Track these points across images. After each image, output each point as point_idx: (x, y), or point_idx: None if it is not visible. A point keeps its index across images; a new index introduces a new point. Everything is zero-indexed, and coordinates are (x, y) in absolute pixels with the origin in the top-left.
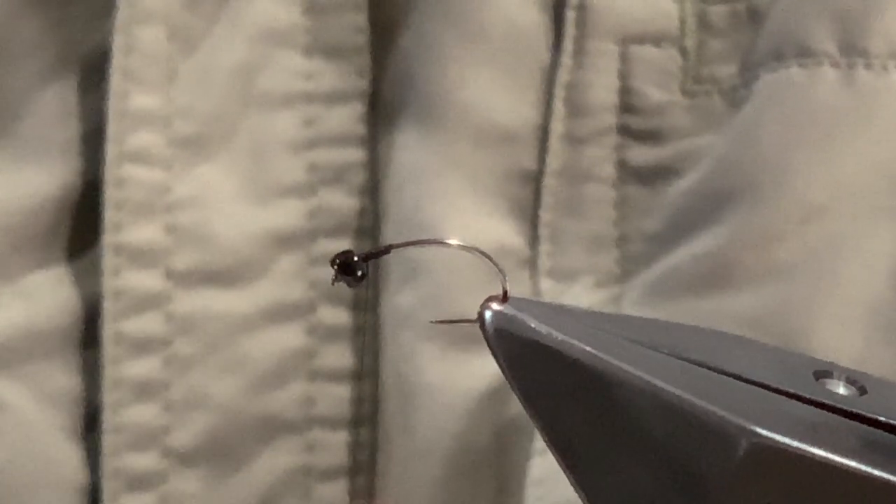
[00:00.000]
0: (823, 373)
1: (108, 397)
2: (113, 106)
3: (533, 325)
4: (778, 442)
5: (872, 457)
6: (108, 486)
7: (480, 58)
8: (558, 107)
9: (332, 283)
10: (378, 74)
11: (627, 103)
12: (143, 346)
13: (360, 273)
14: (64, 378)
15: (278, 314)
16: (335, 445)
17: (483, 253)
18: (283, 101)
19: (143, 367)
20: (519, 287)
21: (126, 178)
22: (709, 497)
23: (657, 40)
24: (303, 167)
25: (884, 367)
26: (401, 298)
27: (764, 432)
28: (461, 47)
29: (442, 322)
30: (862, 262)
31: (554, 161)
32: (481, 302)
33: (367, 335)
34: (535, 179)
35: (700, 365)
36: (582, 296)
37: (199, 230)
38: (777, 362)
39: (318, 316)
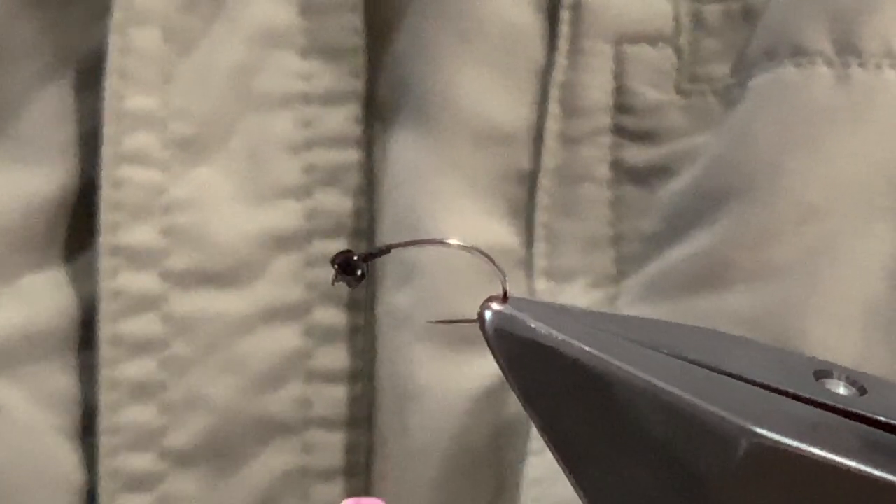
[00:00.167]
0: (823, 373)
1: (105, 398)
2: (109, 107)
3: (533, 325)
4: (778, 442)
5: (872, 457)
6: (105, 487)
7: (476, 58)
8: (553, 107)
9: (332, 283)
10: (374, 75)
11: (622, 103)
12: (140, 347)
13: (359, 273)
14: (61, 379)
15: (275, 315)
16: (332, 446)
17: (483, 253)
18: (279, 103)
19: (140, 368)
20: (514, 287)
21: (123, 180)
22: (709, 497)
23: (652, 40)
24: (299, 168)
25: (881, 366)
26: (397, 299)
27: (764, 432)
28: (456, 48)
29: (442, 322)
30: (858, 261)
31: (549, 161)
32: (478, 302)
33: (363, 336)
34: (530, 179)
35: (700, 365)
36: (578, 296)
37: (195, 231)
38: (777, 362)
39: (314, 317)
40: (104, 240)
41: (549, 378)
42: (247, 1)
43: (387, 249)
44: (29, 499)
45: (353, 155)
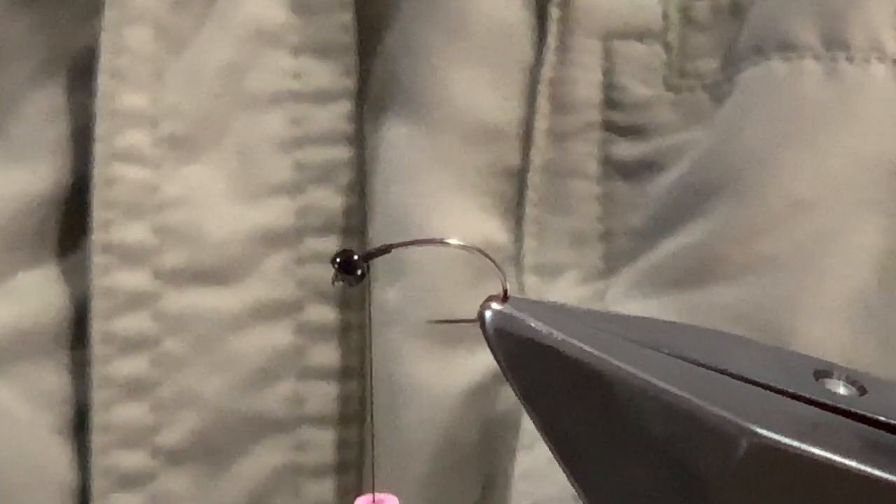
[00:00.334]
0: (823, 373)
1: (97, 396)
2: (101, 105)
3: (533, 325)
4: (778, 442)
5: (872, 457)
6: (97, 485)
7: (465, 55)
8: (542, 103)
9: (332, 283)
10: (365, 73)
11: (611, 99)
12: (132, 344)
13: (359, 272)
14: (53, 377)
15: (267, 313)
16: (324, 443)
17: (483, 253)
18: (270, 101)
19: (132, 366)
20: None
21: (114, 178)
22: (709, 497)
23: (641, 36)
24: (291, 166)
25: (870, 359)
26: (388, 296)
27: (764, 432)
28: (446, 45)
29: (442, 322)
30: (847, 255)
31: (538, 157)
32: (469, 298)
33: (355, 333)
34: (520, 175)
35: (700, 365)
36: (567, 291)
37: (187, 229)
38: (777, 362)
39: (306, 314)
40: (96, 237)
41: (549, 378)
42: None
43: (387, 249)
44: (21, 497)
45: (344, 152)
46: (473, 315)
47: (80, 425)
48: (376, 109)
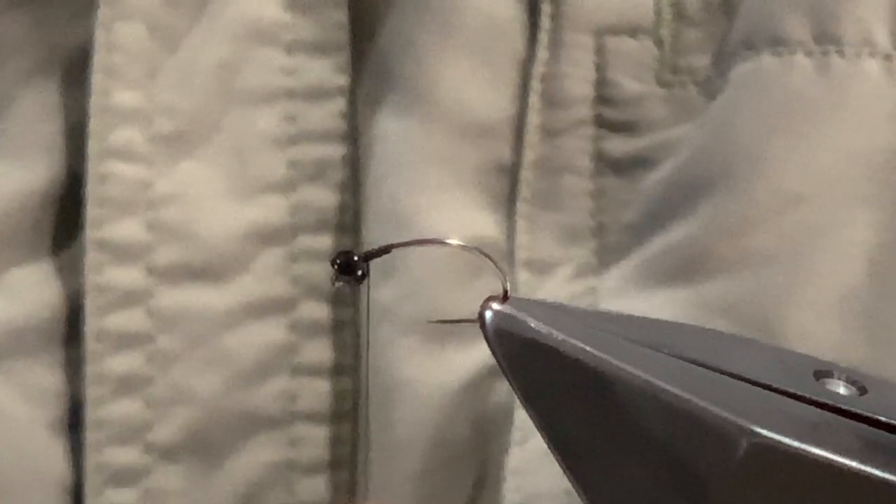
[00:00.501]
0: (823, 373)
1: (91, 393)
2: (95, 102)
3: (533, 325)
4: (778, 442)
5: (872, 457)
6: (90, 481)
7: (458, 51)
8: (535, 99)
9: (333, 284)
10: (359, 70)
11: (603, 95)
12: (125, 341)
13: (360, 273)
14: (47, 374)
15: (260, 310)
16: (317, 440)
17: (483, 253)
18: (264, 98)
19: (126, 363)
20: (495, 279)
21: (108, 175)
22: (709, 497)
23: (633, 31)
24: (284, 163)
25: (861, 354)
26: (380, 293)
27: (764, 432)
28: (439, 41)
29: (442, 322)
30: (838, 250)
31: (531, 153)
32: (461, 295)
33: (349, 330)
34: (512, 171)
35: (700, 365)
36: (559, 287)
37: (181, 226)
38: (777, 362)
39: (299, 311)
40: (90, 234)
41: (549, 378)
42: None
43: (387, 249)
44: (15, 493)
45: (338, 150)
46: (469, 312)
47: (74, 422)
48: (370, 106)
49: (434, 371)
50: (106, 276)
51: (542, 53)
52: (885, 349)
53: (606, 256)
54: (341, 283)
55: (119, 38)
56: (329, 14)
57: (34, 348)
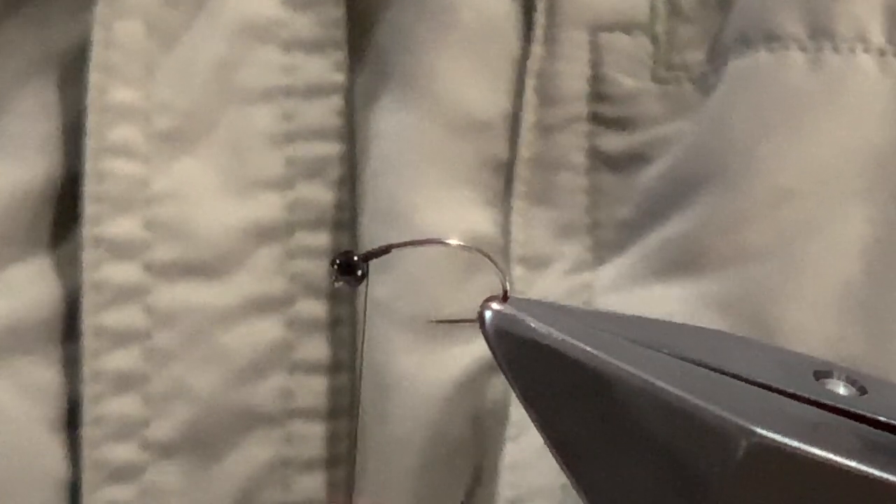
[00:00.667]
0: (823, 373)
1: (88, 390)
2: (92, 100)
3: (533, 325)
4: (778, 442)
5: (872, 457)
6: (88, 478)
7: (454, 48)
8: (530, 96)
9: (332, 284)
10: (355, 68)
11: (598, 91)
12: (122, 338)
13: (359, 273)
14: (45, 371)
15: (257, 307)
16: (314, 437)
17: (484, 253)
18: (261, 96)
19: (123, 360)
20: (492, 275)
21: (106, 172)
22: (709, 497)
23: (628, 28)
24: (281, 161)
25: (856, 349)
26: (376, 289)
27: (764, 432)
28: (435, 38)
29: (443, 322)
30: (833, 245)
31: (526, 149)
32: (456, 292)
33: (345, 327)
34: (507, 168)
35: (700, 365)
36: (554, 282)
37: (178, 223)
38: (777, 362)
39: (296, 308)
40: (87, 231)
41: (549, 378)
42: None
43: (387, 249)
44: (13, 490)
45: (334, 147)
46: (466, 308)
47: (71, 419)
48: (367, 103)
49: (430, 367)
50: (103, 272)
51: (537, 50)
52: (881, 343)
53: (601, 252)
54: (341, 284)
55: (117, 35)
56: (326, 11)
57: (32, 345)
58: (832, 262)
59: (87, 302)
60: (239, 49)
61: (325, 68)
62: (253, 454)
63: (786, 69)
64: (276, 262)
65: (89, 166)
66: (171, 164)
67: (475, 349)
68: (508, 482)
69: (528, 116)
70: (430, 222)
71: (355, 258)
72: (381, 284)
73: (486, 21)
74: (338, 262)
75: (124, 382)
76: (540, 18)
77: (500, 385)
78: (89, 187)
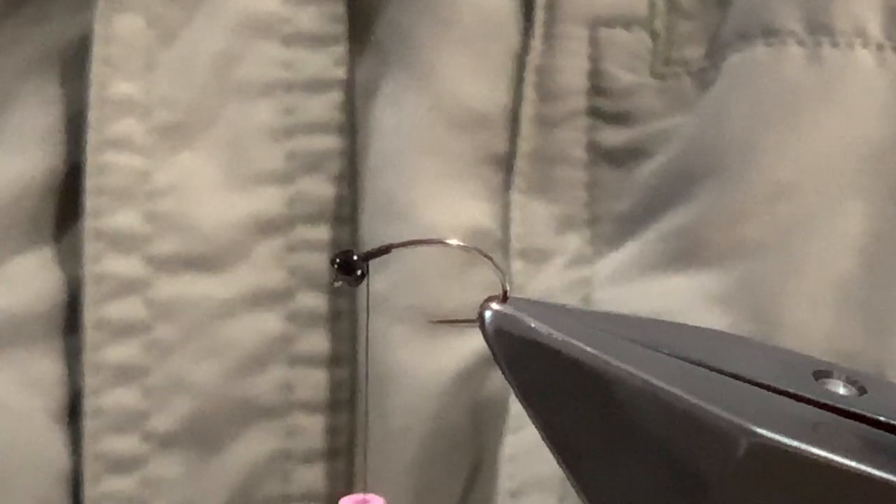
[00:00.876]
0: (823, 373)
1: (89, 382)
2: (94, 93)
3: (533, 325)
4: (778, 442)
5: (872, 457)
6: (88, 470)
7: (454, 43)
8: (529, 90)
9: (332, 284)
10: (356, 62)
11: (598, 86)
12: (123, 330)
13: (359, 272)
14: (46, 363)
15: (258, 300)
16: (314, 429)
17: (483, 253)
18: (262, 90)
19: (124, 352)
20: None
21: (107, 165)
22: (708, 497)
23: (627, 23)
24: (282, 155)
25: (854, 344)
26: (375, 283)
27: (764, 432)
28: (435, 33)
29: (443, 322)
30: (831, 239)
31: (525, 144)
32: (454, 286)
33: (344, 321)
34: (507, 162)
35: (700, 365)
36: (553, 276)
37: (179, 216)
38: (777, 362)
39: (297, 301)
40: (88, 224)
41: (549, 378)
42: None
43: (387, 249)
44: (14, 481)
45: (335, 142)
46: (464, 302)
47: (73, 411)
48: (367, 98)
49: (429, 360)
50: (104, 265)
51: (537, 45)
52: (878, 338)
53: (601, 246)
54: (341, 283)
55: (118, 30)
56: (327, 6)
57: (33, 337)
58: (830, 256)
59: (88, 294)
60: (239, 43)
61: (326, 63)
62: (253, 446)
63: (784, 64)
64: (276, 255)
65: (90, 160)
66: (172, 157)
67: (474, 342)
68: (508, 474)
69: (528, 111)
70: (430, 216)
71: (355, 258)
72: (380, 278)
73: (486, 16)
74: (337, 261)
75: (125, 375)
76: (540, 14)
77: (498, 377)
78: (90, 180)
